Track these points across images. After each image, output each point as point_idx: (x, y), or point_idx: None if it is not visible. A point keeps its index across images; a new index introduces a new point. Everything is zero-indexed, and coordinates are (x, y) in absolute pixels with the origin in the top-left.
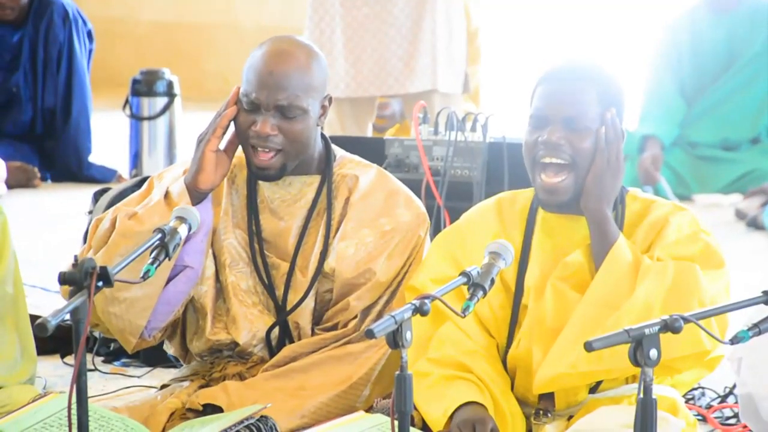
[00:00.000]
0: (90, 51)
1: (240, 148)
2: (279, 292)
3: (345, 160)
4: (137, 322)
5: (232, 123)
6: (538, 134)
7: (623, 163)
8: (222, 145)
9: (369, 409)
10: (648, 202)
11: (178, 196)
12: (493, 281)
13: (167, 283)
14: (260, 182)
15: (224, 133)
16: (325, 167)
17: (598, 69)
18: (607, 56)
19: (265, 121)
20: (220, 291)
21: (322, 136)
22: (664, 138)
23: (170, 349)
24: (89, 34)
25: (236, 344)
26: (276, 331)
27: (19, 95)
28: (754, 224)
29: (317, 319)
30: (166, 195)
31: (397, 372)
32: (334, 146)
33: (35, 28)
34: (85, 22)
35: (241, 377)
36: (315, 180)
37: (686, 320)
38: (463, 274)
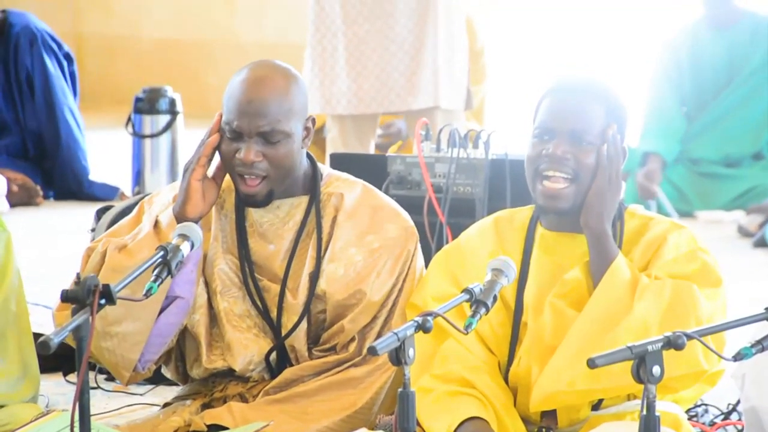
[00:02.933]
0: (72, 73)
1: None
2: (273, 315)
3: (332, 178)
4: (130, 356)
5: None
6: (542, 147)
7: (621, 182)
8: (210, 172)
9: (372, 427)
10: (646, 219)
11: (167, 226)
12: (495, 298)
13: (158, 315)
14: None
15: (210, 162)
16: (312, 186)
17: (604, 85)
18: (609, 70)
19: (249, 149)
20: (214, 318)
21: (308, 155)
22: (666, 154)
23: (168, 373)
24: (67, 56)
25: (233, 371)
26: (274, 354)
27: (4, 120)
28: (762, 244)
29: (312, 340)
30: (156, 225)
31: (400, 389)
32: (320, 164)
33: (5, 51)
34: (59, 45)
35: (242, 397)
36: (303, 201)
37: (689, 337)
38: (466, 291)
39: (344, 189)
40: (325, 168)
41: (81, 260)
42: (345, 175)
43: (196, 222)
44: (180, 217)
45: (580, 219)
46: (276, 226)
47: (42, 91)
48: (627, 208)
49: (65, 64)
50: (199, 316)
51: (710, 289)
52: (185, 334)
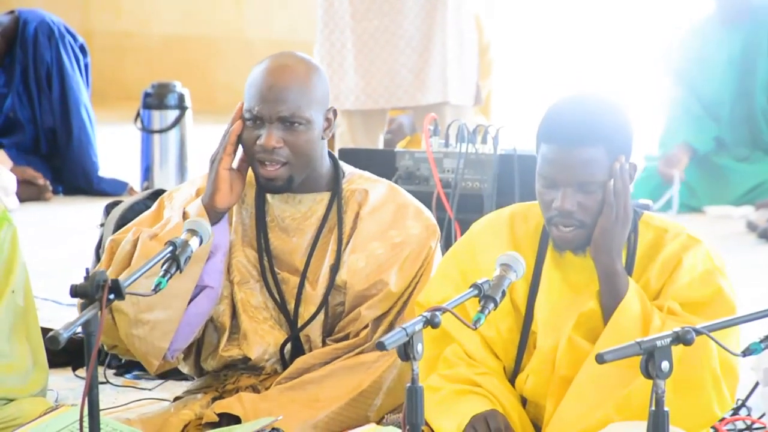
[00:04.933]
0: (86, 65)
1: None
2: (290, 307)
3: (354, 176)
4: (160, 344)
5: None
6: (550, 195)
7: (630, 212)
8: (234, 165)
9: (380, 422)
10: (661, 230)
11: (196, 216)
12: (504, 293)
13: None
14: (270, 201)
15: (235, 150)
16: (334, 184)
17: (602, 121)
18: (617, 64)
19: (270, 135)
20: (233, 308)
21: (330, 154)
22: (695, 143)
23: (185, 368)
24: (81, 48)
25: (248, 359)
26: (289, 345)
27: (17, 118)
28: (766, 236)
29: (328, 332)
30: (184, 216)
31: (408, 384)
32: (343, 163)
33: (23, 51)
34: (74, 37)
35: (254, 389)
36: (325, 197)
37: (698, 332)
38: (474, 286)
39: (368, 186)
40: (348, 167)
41: (105, 252)
42: (368, 173)
43: (224, 213)
44: (209, 207)
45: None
46: (298, 220)
47: (59, 86)
48: (642, 216)
49: (80, 56)
50: (224, 306)
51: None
52: (205, 325)
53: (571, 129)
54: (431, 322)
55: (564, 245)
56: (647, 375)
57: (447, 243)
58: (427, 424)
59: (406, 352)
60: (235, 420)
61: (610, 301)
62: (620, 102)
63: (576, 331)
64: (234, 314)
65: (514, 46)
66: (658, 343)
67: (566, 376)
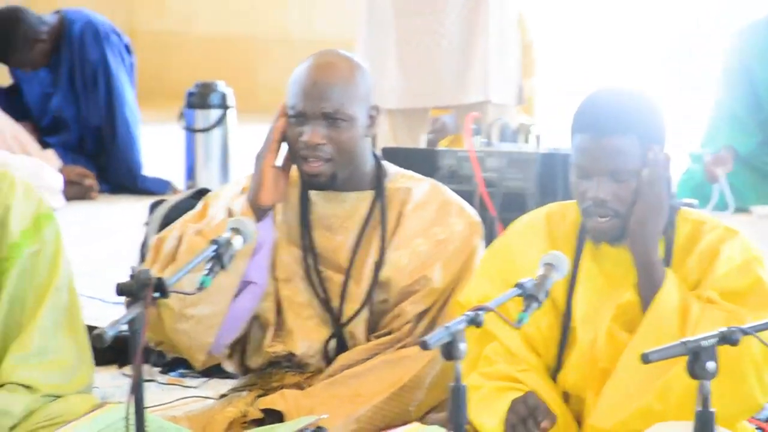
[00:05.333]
0: (131, 65)
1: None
2: (334, 304)
3: (398, 175)
4: (205, 339)
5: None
6: (584, 186)
7: (666, 202)
8: (279, 162)
9: (423, 420)
10: (698, 223)
11: (241, 213)
12: (547, 293)
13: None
14: (314, 200)
15: (279, 148)
16: (377, 182)
17: (634, 110)
18: (659, 62)
19: (314, 131)
20: (279, 305)
21: (374, 153)
22: (738, 146)
23: (229, 367)
24: (127, 48)
25: (293, 356)
26: (333, 342)
27: (63, 117)
28: None
29: (372, 329)
30: (230, 213)
31: (452, 383)
32: (386, 163)
33: (69, 51)
34: (120, 37)
35: (298, 387)
36: (368, 195)
37: (744, 332)
38: (518, 285)
39: (411, 184)
40: (391, 166)
41: (151, 249)
42: (411, 172)
43: (269, 209)
44: (254, 204)
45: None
46: (342, 219)
47: (105, 85)
48: (680, 211)
49: (126, 56)
50: (269, 303)
51: (763, 311)
52: (250, 322)
53: (603, 118)
54: (474, 322)
55: (600, 236)
56: (693, 375)
57: (489, 243)
58: (469, 422)
59: (449, 351)
60: (279, 416)
61: (647, 291)
62: (653, 94)
63: (615, 322)
64: (279, 311)
65: (557, 45)
66: (704, 343)
67: (606, 368)
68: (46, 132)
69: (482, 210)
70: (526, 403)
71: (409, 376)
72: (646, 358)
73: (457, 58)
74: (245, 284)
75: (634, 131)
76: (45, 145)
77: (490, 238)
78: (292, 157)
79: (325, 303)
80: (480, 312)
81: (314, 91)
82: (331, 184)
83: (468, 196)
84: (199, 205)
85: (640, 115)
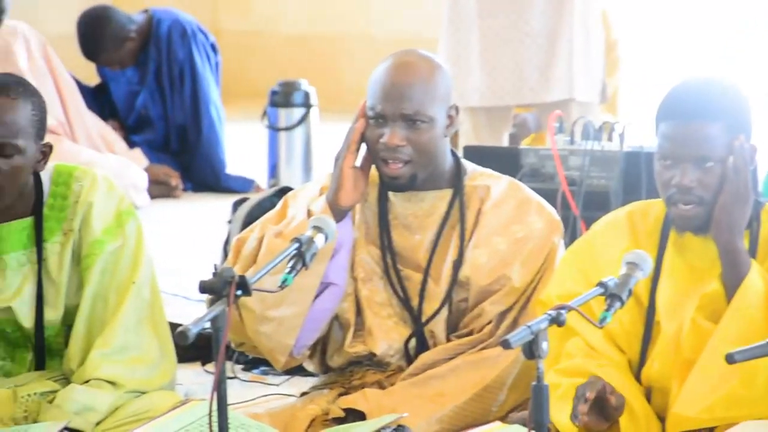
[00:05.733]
0: (216, 63)
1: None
2: (413, 303)
3: (476, 173)
4: (286, 341)
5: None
6: (669, 174)
7: (751, 191)
8: (358, 163)
9: (504, 419)
10: None
11: (321, 213)
12: (630, 292)
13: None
14: (392, 199)
15: (358, 149)
16: (456, 180)
17: (722, 98)
18: (748, 59)
19: (394, 133)
20: (359, 305)
21: (452, 151)
22: None
23: (310, 366)
24: (212, 47)
25: (373, 355)
26: (413, 341)
27: (149, 116)
28: None
29: (452, 328)
30: (309, 214)
31: (534, 383)
32: (464, 160)
33: (156, 49)
34: (206, 36)
35: (380, 385)
36: (447, 194)
37: None
38: (600, 284)
39: (490, 182)
40: (469, 164)
41: (231, 250)
42: (489, 170)
43: (348, 210)
44: (333, 205)
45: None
46: (420, 218)
47: (191, 84)
48: (766, 206)
49: (211, 55)
50: (348, 303)
51: None
52: (330, 322)
53: (690, 104)
54: (556, 321)
55: (684, 224)
56: None
57: (572, 241)
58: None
59: (531, 350)
60: (360, 415)
61: (732, 280)
62: (740, 83)
63: (699, 313)
64: (358, 311)
65: (642, 43)
66: None
67: (691, 359)
68: (132, 130)
69: (565, 209)
70: (589, 382)
71: (492, 376)
72: (731, 359)
73: (541, 56)
74: (325, 285)
75: (721, 118)
76: (131, 143)
77: (572, 236)
78: (372, 158)
79: (405, 302)
80: (562, 311)
81: (394, 92)
82: (410, 185)
83: (550, 195)
84: (279, 204)
85: (727, 102)
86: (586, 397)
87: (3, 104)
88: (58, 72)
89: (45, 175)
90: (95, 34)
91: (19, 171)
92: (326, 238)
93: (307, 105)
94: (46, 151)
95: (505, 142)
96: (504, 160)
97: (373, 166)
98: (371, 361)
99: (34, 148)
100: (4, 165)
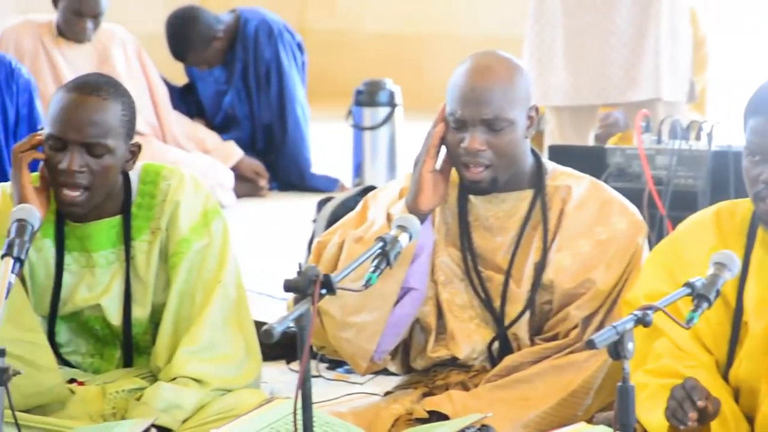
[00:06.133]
0: (303, 63)
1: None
2: (495, 305)
3: (557, 173)
4: (367, 346)
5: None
6: (757, 170)
7: None
8: (438, 165)
9: (590, 420)
10: None
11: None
12: (718, 293)
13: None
14: (472, 200)
15: (438, 153)
16: (537, 181)
17: None
18: None
19: (474, 138)
20: (440, 308)
21: (533, 150)
22: None
23: (393, 367)
24: (299, 46)
25: (456, 359)
26: (496, 343)
27: (235, 115)
28: None
29: (535, 330)
30: (388, 218)
31: (619, 383)
32: (544, 159)
33: (243, 49)
34: (293, 35)
35: (463, 385)
36: (528, 194)
37: None
38: (687, 284)
39: (571, 182)
40: (550, 163)
41: (312, 253)
42: (570, 169)
43: (428, 215)
44: (412, 209)
45: None
46: (501, 219)
47: (277, 83)
48: None
49: (298, 54)
50: (429, 307)
51: None
52: (412, 326)
53: None
54: (642, 321)
55: None
56: None
57: (659, 241)
58: (636, 421)
59: (616, 350)
60: (444, 417)
61: None
62: None
63: None
64: (440, 314)
65: (730, 41)
66: None
67: None
68: (218, 129)
69: (651, 208)
70: (684, 386)
71: (579, 382)
72: None
73: (626, 55)
74: (406, 290)
75: None
76: None
77: (659, 236)
78: (453, 162)
79: (487, 303)
80: (648, 311)
81: (473, 97)
82: (492, 188)
83: (637, 195)
84: (359, 206)
85: None
86: (698, 405)
87: (94, 104)
88: (151, 75)
89: (133, 175)
90: (183, 34)
91: (108, 170)
92: (410, 237)
93: (391, 104)
94: (135, 151)
95: (590, 142)
96: (590, 160)
97: (453, 168)
98: (454, 363)
99: (123, 148)
100: (95, 164)
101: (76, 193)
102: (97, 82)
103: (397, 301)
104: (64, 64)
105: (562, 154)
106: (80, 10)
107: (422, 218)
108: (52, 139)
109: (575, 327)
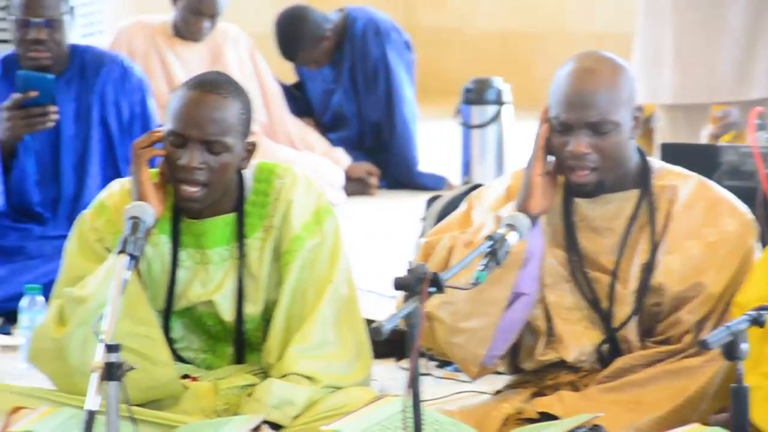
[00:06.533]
0: (410, 61)
1: None
2: (603, 306)
3: (663, 172)
4: (478, 351)
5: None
6: None
7: None
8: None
9: (705, 423)
10: None
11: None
12: None
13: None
14: (577, 201)
15: (545, 154)
16: (642, 180)
17: None
18: None
19: (579, 142)
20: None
21: (638, 148)
22: None
23: (500, 367)
24: (407, 44)
25: (565, 361)
26: (605, 345)
27: (343, 114)
28: None
29: (644, 332)
30: (498, 221)
31: (734, 385)
32: (650, 158)
33: (351, 48)
34: (400, 33)
35: (573, 386)
36: (633, 194)
37: None
38: None
39: (678, 182)
40: (656, 161)
41: (419, 253)
42: (678, 168)
43: (537, 218)
44: (523, 212)
45: None
46: (607, 220)
47: (384, 82)
48: None
49: (405, 52)
50: (537, 310)
51: None
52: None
53: None
54: (757, 322)
55: None
56: None
57: None
58: (751, 423)
59: (730, 351)
60: (555, 418)
61: None
62: None
63: None
64: (547, 317)
65: None
66: None
67: None
68: (327, 128)
69: (765, 207)
70: None
71: (694, 388)
72: None
73: (738, 53)
74: (517, 295)
75: None
76: (329, 142)
77: None
78: (558, 165)
79: (594, 305)
80: (763, 312)
81: (577, 100)
82: (598, 191)
83: (750, 193)
84: (463, 205)
85: None
86: None
87: (214, 102)
88: (263, 74)
89: (248, 173)
90: (293, 33)
91: (226, 168)
92: (519, 236)
93: (500, 102)
94: (251, 150)
95: (703, 140)
96: (702, 158)
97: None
98: (563, 365)
99: (240, 146)
100: (213, 162)
101: (194, 189)
102: (218, 81)
103: (509, 306)
104: (176, 63)
105: (675, 152)
106: (199, 9)
107: (533, 222)
108: (172, 136)
109: (687, 332)
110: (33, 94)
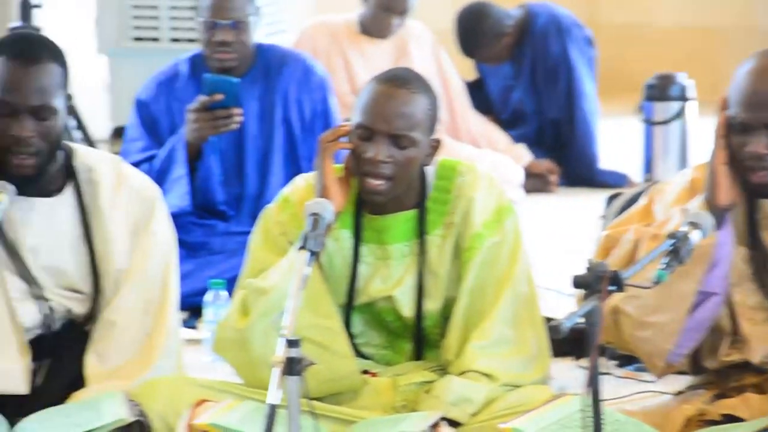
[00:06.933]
0: (591, 57)
1: None
2: None
3: None
4: (665, 346)
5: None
6: None
7: None
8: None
9: None
10: None
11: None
12: None
13: (694, 310)
14: (760, 200)
15: (727, 143)
16: None
17: None
18: None
19: (758, 142)
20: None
21: None
22: None
23: (683, 366)
24: (588, 41)
25: (749, 362)
26: None
27: (523, 110)
28: None
29: None
30: (684, 214)
31: None
32: None
33: (531, 44)
34: (581, 29)
35: (758, 388)
36: None
37: None
38: None
39: None
40: None
41: (600, 245)
42: None
43: (727, 211)
44: (710, 203)
45: None
46: None
47: (565, 78)
48: None
49: (586, 48)
50: (725, 309)
51: None
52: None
53: None
54: None
55: None
56: None
57: None
58: None
59: None
60: (739, 421)
61: None
62: None
63: None
64: (732, 317)
65: None
66: None
67: None
68: (506, 125)
69: None
70: None
71: None
72: None
73: None
74: (707, 295)
75: None
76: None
77: None
78: (737, 164)
79: None
80: None
81: (756, 101)
82: None
83: None
84: (644, 199)
85: None
86: None
87: (403, 97)
88: (446, 71)
89: (430, 169)
90: (474, 30)
91: (411, 163)
92: (702, 235)
93: (683, 98)
94: (435, 146)
95: None
96: None
97: None
98: (747, 366)
99: (425, 143)
100: (399, 156)
101: (379, 182)
102: (407, 76)
103: (699, 305)
104: (359, 62)
105: None
106: (390, 6)
107: (720, 215)
108: (360, 129)
109: None
110: (219, 97)
